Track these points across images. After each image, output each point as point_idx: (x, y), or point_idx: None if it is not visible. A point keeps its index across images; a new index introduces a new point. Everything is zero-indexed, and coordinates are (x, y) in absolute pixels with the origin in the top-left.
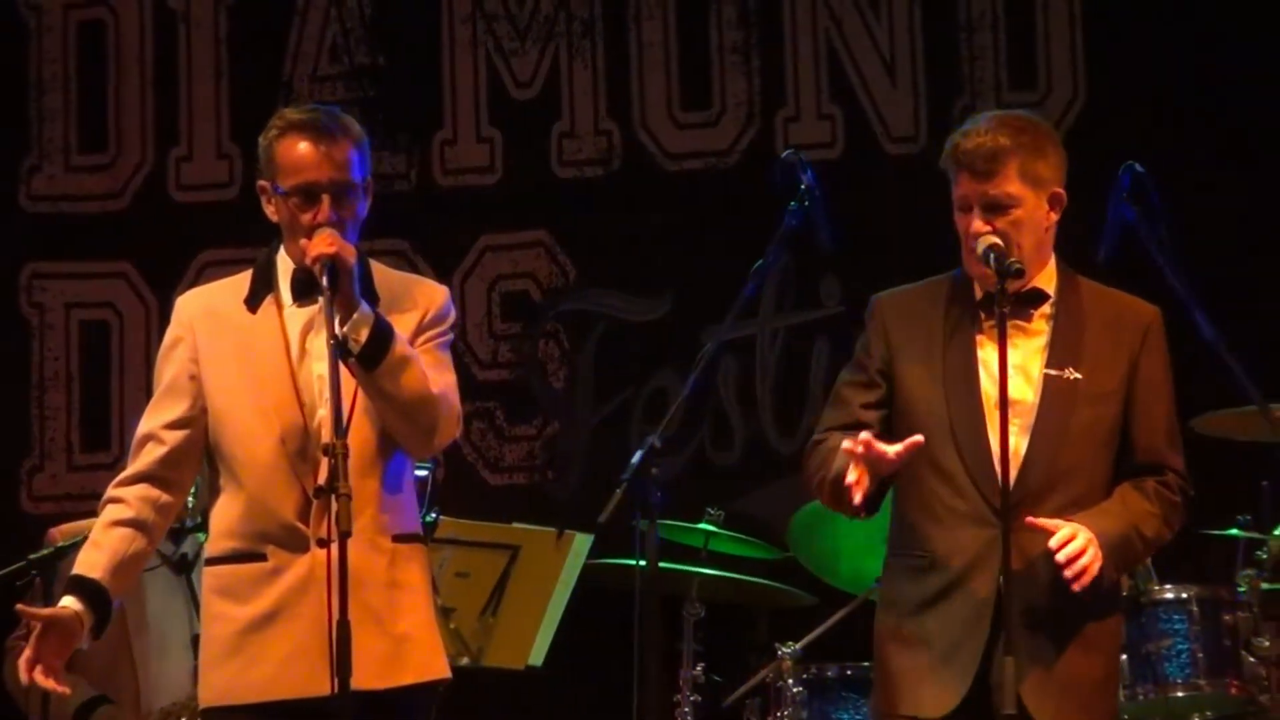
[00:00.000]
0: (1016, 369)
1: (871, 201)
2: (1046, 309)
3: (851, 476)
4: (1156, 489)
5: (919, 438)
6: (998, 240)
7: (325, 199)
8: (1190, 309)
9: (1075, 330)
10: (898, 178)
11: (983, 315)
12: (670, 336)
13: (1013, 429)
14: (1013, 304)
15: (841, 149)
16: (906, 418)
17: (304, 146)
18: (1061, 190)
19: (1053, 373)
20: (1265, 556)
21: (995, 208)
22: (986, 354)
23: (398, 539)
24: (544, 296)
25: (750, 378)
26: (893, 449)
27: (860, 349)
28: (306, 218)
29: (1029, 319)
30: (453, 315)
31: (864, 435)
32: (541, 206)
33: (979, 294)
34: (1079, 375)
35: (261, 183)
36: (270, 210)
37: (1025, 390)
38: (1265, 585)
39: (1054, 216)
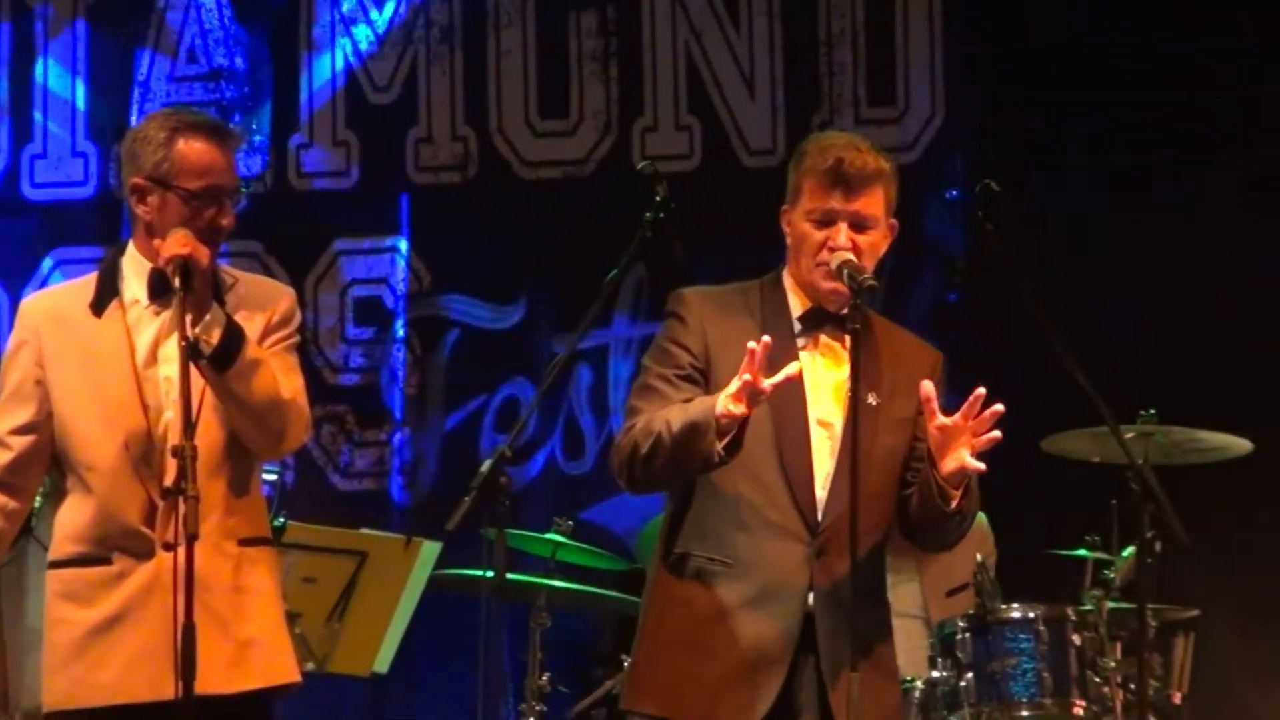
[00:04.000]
0: (831, 390)
1: (728, 214)
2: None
3: (735, 388)
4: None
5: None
6: (852, 256)
7: (227, 202)
8: (1043, 328)
9: (871, 358)
10: (755, 190)
11: (799, 329)
12: (523, 345)
13: (824, 450)
14: (834, 324)
15: (699, 161)
16: None
17: (212, 149)
18: (895, 222)
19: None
20: (1112, 576)
21: (860, 226)
22: (807, 371)
23: (244, 543)
24: (397, 302)
25: (603, 387)
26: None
27: (668, 341)
28: (210, 214)
29: (844, 342)
30: (298, 317)
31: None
32: (397, 212)
33: (797, 308)
34: (878, 401)
35: (139, 180)
36: (144, 209)
37: (836, 413)
38: (1112, 605)
39: (886, 245)
